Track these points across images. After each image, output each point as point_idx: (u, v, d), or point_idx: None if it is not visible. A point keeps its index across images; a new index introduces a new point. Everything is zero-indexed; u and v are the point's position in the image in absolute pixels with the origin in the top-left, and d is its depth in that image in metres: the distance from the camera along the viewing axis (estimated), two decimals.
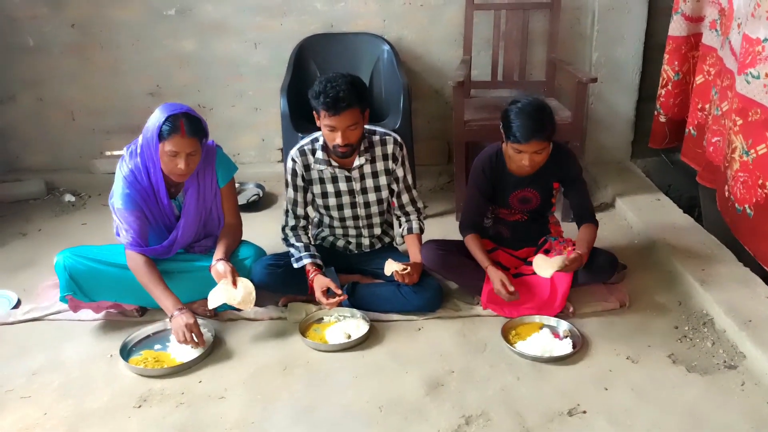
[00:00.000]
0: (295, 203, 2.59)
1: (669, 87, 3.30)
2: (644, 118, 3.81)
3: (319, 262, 2.54)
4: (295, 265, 2.52)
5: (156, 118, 2.32)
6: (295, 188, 2.57)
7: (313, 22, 3.70)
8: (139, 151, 2.40)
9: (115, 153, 3.92)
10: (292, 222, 2.60)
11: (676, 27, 3.18)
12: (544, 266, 2.39)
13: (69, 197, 3.81)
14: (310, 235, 2.68)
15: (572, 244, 2.56)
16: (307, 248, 2.56)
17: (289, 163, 2.55)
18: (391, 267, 2.45)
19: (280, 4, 3.68)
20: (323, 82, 2.32)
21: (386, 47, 3.60)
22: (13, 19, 3.72)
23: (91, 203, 3.75)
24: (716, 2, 2.89)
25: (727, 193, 2.66)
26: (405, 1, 3.68)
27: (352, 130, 2.36)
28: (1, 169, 4.00)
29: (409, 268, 2.45)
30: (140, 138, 2.38)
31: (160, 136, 2.29)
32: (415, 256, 2.58)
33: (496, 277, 2.43)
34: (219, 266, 2.42)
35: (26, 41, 3.77)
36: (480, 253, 2.53)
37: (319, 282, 2.45)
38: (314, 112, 2.39)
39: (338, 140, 2.36)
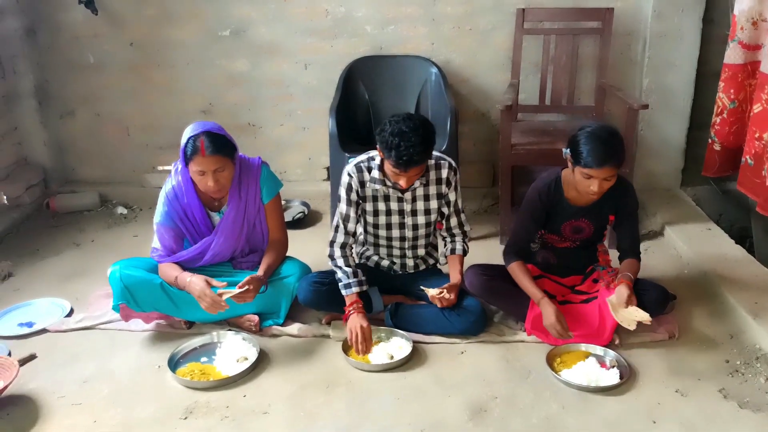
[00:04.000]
0: (347, 218, 2.56)
1: (724, 115, 3.24)
2: (695, 145, 3.74)
3: (364, 288, 2.53)
4: (343, 292, 2.51)
5: (183, 138, 2.40)
6: (349, 203, 2.54)
7: (363, 45, 3.76)
8: (180, 168, 2.48)
9: (167, 168, 4.00)
10: (341, 238, 2.56)
11: (733, 54, 3.13)
12: (626, 318, 2.34)
13: (121, 210, 3.92)
14: (354, 253, 2.69)
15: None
16: (355, 274, 2.52)
17: (345, 178, 2.53)
18: (428, 293, 2.46)
19: (331, 27, 3.75)
20: (397, 136, 2.26)
21: (434, 70, 3.63)
22: (76, 37, 3.87)
23: (142, 216, 3.85)
24: None
25: None
26: (454, 25, 3.71)
27: (417, 176, 2.40)
28: (58, 181, 4.15)
29: (444, 291, 2.45)
30: None
31: (186, 158, 2.37)
32: (455, 276, 2.57)
33: (551, 311, 2.37)
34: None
35: (87, 59, 3.92)
36: (530, 284, 2.47)
37: (353, 322, 2.44)
38: (378, 148, 2.38)
39: (402, 183, 2.38)
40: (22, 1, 3.80)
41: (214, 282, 2.41)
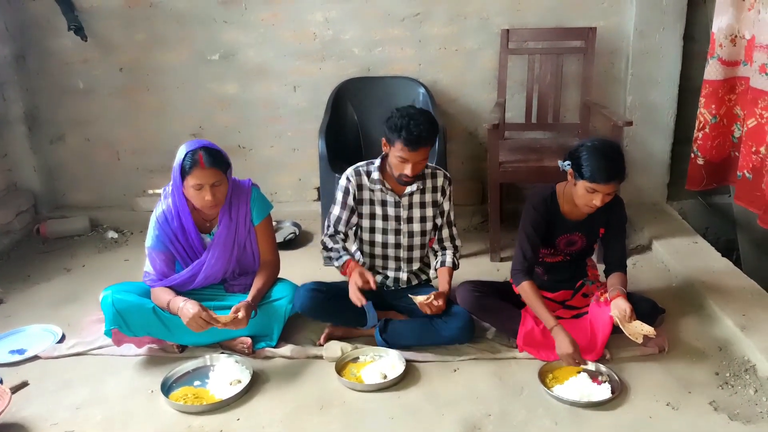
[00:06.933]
0: (338, 221, 2.64)
1: (706, 130, 3.30)
2: (680, 160, 3.80)
3: (357, 259, 2.63)
4: (336, 264, 2.61)
5: (178, 156, 2.42)
6: (344, 206, 2.63)
7: (351, 67, 3.81)
8: (169, 191, 2.49)
9: (157, 191, 4.00)
10: (330, 232, 2.66)
11: (712, 71, 3.20)
12: (634, 332, 2.36)
13: (112, 234, 3.92)
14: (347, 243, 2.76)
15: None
16: (345, 249, 2.64)
17: (343, 181, 2.62)
18: (415, 300, 2.49)
19: (319, 50, 3.79)
20: (405, 117, 2.41)
21: (422, 90, 3.67)
22: (66, 63, 3.89)
23: (133, 240, 3.85)
24: (764, 47, 2.89)
25: None
26: (440, 46, 3.77)
27: (421, 163, 2.48)
28: (49, 206, 4.14)
29: (432, 297, 2.48)
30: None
31: (183, 172, 2.40)
32: (443, 286, 2.60)
33: (566, 341, 2.34)
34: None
35: (77, 84, 3.94)
36: (543, 309, 2.42)
37: (357, 272, 2.52)
38: (384, 140, 2.49)
39: (407, 171, 2.46)
40: (11, 28, 3.82)
41: (209, 312, 2.42)
